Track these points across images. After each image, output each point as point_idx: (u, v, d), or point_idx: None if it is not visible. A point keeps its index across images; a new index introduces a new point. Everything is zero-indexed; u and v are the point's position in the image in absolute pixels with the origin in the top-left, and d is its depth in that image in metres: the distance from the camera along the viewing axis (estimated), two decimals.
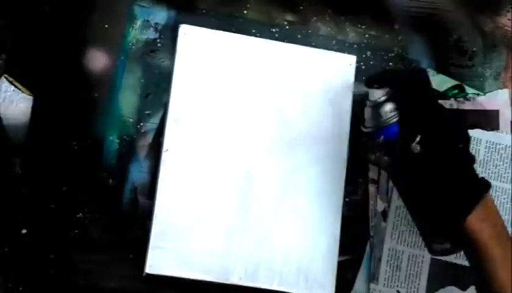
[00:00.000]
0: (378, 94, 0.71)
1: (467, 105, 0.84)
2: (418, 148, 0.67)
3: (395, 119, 0.70)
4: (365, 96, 0.72)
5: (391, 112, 0.70)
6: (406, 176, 0.69)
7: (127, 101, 0.78)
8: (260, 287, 0.75)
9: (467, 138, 0.70)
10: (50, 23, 0.77)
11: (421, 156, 0.67)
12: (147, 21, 0.79)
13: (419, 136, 0.67)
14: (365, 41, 0.83)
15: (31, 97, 0.76)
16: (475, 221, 0.66)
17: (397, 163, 0.69)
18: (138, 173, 0.77)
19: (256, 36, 0.80)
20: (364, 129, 0.73)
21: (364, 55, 0.83)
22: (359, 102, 0.81)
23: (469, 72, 0.85)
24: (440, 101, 0.83)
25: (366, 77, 0.73)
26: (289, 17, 0.82)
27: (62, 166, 0.76)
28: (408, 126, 0.68)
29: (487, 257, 0.65)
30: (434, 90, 0.73)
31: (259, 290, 0.75)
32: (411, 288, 0.80)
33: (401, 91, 0.70)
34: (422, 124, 0.68)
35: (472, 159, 0.69)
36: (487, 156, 0.82)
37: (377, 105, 0.71)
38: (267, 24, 0.81)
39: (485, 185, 0.68)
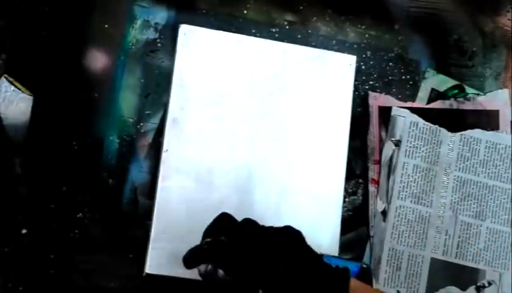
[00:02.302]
0: (203, 269, 0.66)
1: (467, 105, 0.84)
2: None
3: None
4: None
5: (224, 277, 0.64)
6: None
7: (127, 101, 0.78)
8: None
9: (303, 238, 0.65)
10: (50, 23, 0.77)
11: None
12: (147, 21, 0.79)
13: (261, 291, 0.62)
14: (365, 41, 0.83)
15: (31, 97, 0.76)
16: None
17: None
18: (138, 173, 0.77)
19: (256, 36, 0.80)
20: None
21: (364, 55, 0.83)
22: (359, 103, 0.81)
23: (469, 72, 0.85)
24: (440, 101, 0.83)
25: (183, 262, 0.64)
26: (289, 17, 0.82)
27: (62, 166, 0.76)
28: (245, 282, 0.62)
29: None
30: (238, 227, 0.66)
31: None
32: (411, 288, 0.80)
33: (216, 256, 0.63)
34: (256, 274, 0.61)
35: (318, 256, 0.64)
36: (487, 156, 0.82)
37: (211, 275, 0.65)
38: (267, 24, 0.81)
39: (342, 275, 0.62)
